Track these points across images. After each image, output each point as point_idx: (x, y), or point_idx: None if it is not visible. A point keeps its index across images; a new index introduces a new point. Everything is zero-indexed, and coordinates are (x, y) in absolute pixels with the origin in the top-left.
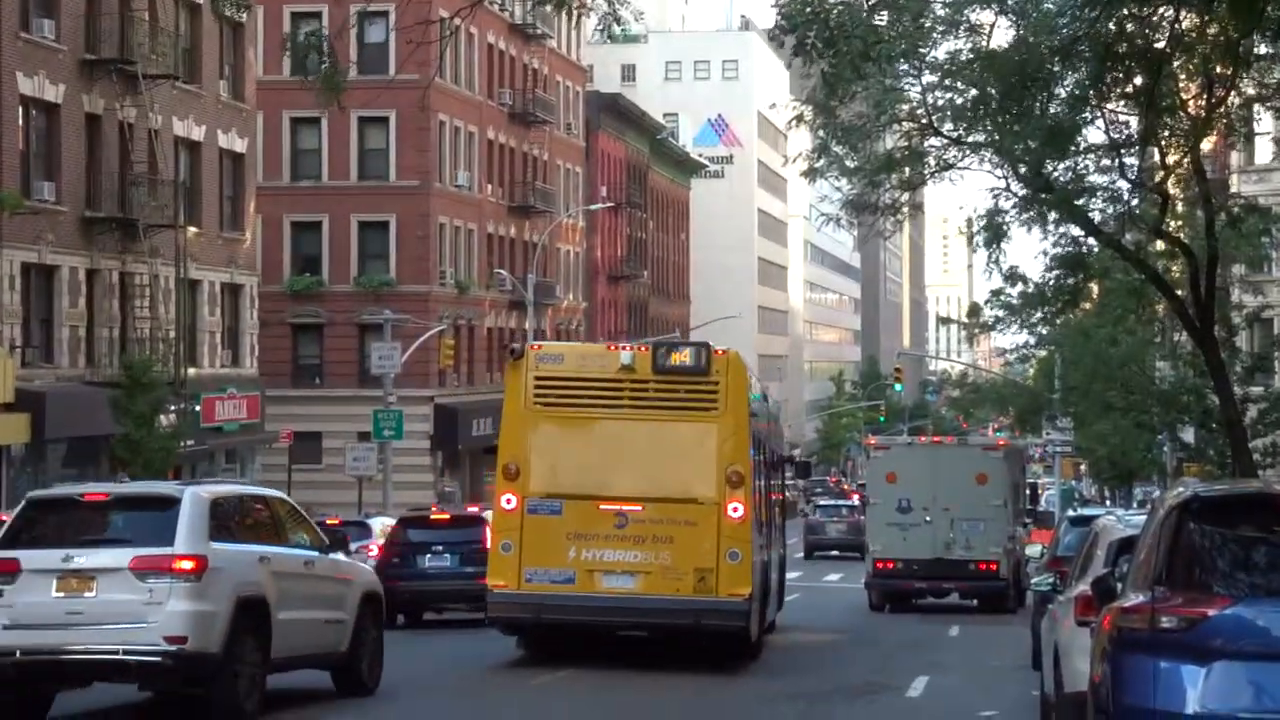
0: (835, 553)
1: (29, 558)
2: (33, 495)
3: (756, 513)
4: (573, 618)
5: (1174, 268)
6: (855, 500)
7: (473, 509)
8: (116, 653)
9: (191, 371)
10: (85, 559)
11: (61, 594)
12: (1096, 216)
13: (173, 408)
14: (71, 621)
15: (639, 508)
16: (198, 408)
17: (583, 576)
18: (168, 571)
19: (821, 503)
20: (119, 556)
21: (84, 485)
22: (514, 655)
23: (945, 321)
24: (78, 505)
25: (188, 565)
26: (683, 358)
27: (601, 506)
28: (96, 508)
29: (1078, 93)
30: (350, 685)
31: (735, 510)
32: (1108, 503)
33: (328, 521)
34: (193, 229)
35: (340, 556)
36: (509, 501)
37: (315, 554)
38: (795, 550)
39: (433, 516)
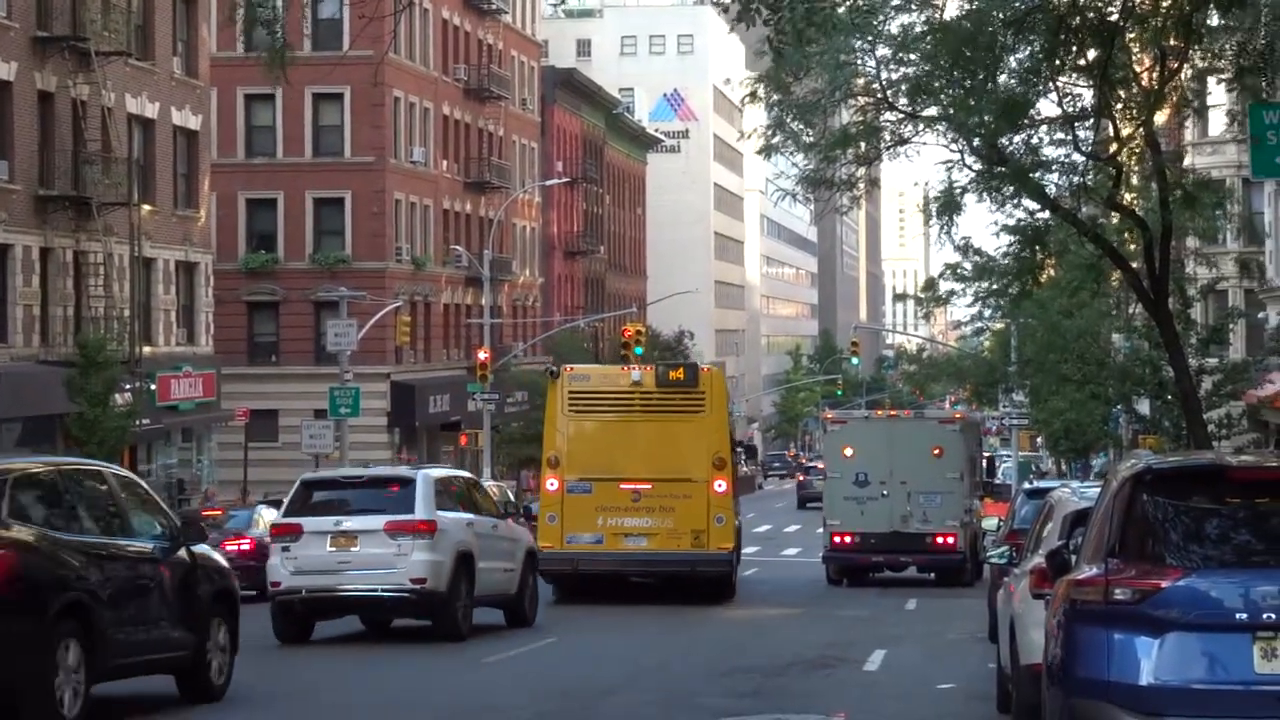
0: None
1: (308, 522)
2: (306, 477)
3: (739, 488)
4: (602, 569)
5: (1129, 240)
6: None
7: None
8: (375, 591)
9: (146, 350)
10: (350, 523)
11: (333, 549)
12: (1051, 190)
13: (127, 386)
14: (341, 569)
15: (649, 486)
16: (153, 386)
17: (609, 538)
18: (411, 532)
19: (807, 464)
20: (375, 521)
21: (343, 470)
22: (553, 598)
23: (901, 298)
24: (340, 484)
25: (425, 527)
26: (678, 375)
27: (621, 486)
28: (355, 485)
29: (1030, 65)
30: (516, 619)
31: (720, 486)
32: (1067, 476)
33: None
34: (147, 207)
35: (510, 522)
36: (552, 484)
37: (496, 519)
38: (791, 505)
39: None
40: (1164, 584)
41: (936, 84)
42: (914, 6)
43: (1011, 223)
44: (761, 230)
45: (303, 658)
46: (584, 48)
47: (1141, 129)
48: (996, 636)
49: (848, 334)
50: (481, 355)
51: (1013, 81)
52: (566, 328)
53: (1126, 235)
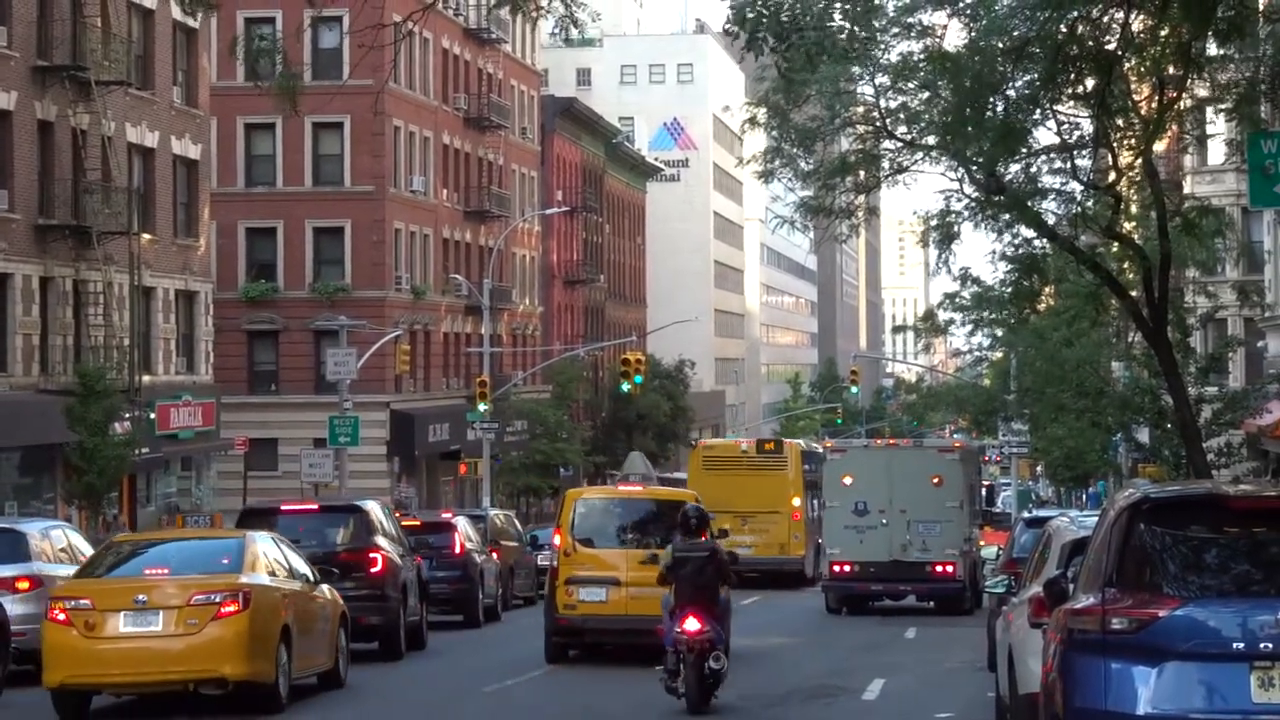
0: None
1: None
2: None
3: (808, 514)
4: None
5: (1127, 269)
6: None
7: (446, 515)
8: None
9: (146, 379)
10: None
11: None
12: (1050, 219)
13: (127, 415)
14: None
15: (752, 514)
16: (152, 415)
17: (727, 548)
18: None
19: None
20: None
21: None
22: None
23: (900, 329)
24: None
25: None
26: (770, 446)
27: (735, 514)
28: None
29: (1029, 94)
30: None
31: (795, 515)
32: (1080, 503)
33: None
34: (147, 236)
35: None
36: None
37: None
38: None
39: (404, 523)
40: (1161, 613)
41: (935, 112)
42: (913, 35)
43: (1010, 251)
44: (761, 259)
45: None
46: (584, 77)
47: (1140, 158)
48: (995, 665)
49: (847, 362)
50: (481, 384)
51: (1011, 110)
52: (566, 356)
53: (1125, 264)
